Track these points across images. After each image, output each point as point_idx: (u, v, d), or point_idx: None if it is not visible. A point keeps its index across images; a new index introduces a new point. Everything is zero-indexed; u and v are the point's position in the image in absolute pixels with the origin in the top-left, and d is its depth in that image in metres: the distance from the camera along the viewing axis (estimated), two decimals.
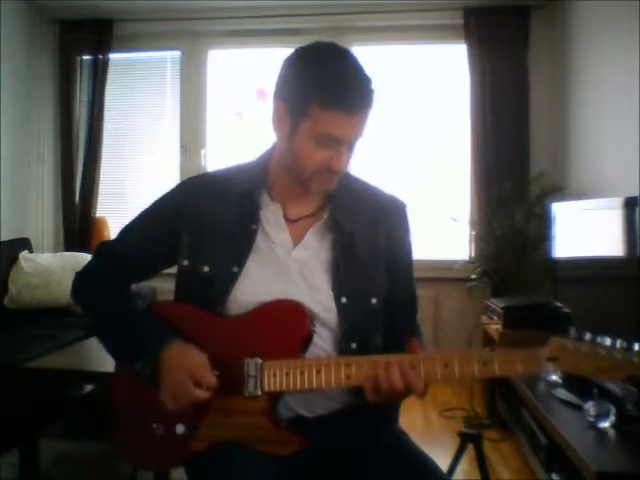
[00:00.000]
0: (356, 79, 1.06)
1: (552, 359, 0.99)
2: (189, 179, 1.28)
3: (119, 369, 1.23)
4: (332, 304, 1.15)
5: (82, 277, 1.27)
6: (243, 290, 1.14)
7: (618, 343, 0.95)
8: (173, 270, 1.32)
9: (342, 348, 1.15)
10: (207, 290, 1.15)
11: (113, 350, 1.21)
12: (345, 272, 1.17)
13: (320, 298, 1.15)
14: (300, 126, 1.08)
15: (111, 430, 1.20)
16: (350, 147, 1.11)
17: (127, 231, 1.27)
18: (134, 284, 1.29)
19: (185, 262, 1.19)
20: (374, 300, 1.19)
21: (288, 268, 1.17)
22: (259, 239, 1.17)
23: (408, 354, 1.05)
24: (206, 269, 1.16)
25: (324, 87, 1.04)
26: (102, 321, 1.23)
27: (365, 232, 1.19)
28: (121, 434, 1.20)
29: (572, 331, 1.01)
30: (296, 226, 1.19)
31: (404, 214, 1.26)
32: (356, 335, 1.16)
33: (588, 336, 0.99)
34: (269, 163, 1.21)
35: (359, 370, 1.05)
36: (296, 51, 1.12)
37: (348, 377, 1.05)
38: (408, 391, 1.02)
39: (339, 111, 1.04)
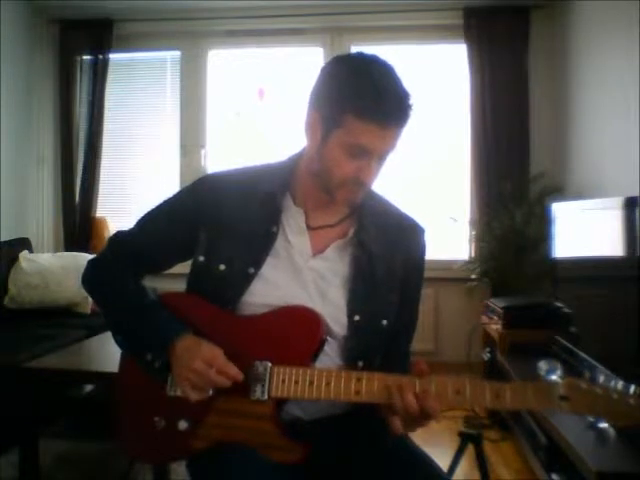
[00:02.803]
0: (395, 93, 1.05)
1: (565, 398, 0.98)
2: (212, 175, 1.26)
3: (124, 359, 1.22)
4: (345, 320, 1.15)
5: (95, 265, 1.25)
6: (256, 292, 1.14)
7: (632, 389, 0.96)
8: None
9: (349, 365, 1.15)
10: (221, 289, 1.15)
11: (122, 340, 1.19)
12: (362, 291, 1.16)
13: (333, 312, 1.15)
14: (333, 134, 1.07)
15: (112, 421, 1.19)
16: (380, 161, 1.11)
17: (145, 221, 1.25)
18: (146, 276, 1.27)
19: (201, 258, 1.18)
20: (385, 322, 1.18)
21: (304, 276, 1.16)
22: (278, 243, 1.16)
23: (420, 377, 1.03)
24: (222, 267, 1.15)
25: (362, 98, 1.02)
26: (113, 311, 1.21)
27: (385, 253, 1.19)
28: (122, 425, 1.19)
29: (586, 373, 1.01)
30: (316, 234, 1.18)
31: (423, 239, 1.26)
32: (363, 354, 1.16)
33: (602, 378, 0.99)
34: (296, 167, 1.20)
35: (369, 387, 1.04)
36: (336, 60, 1.11)
37: (357, 392, 1.04)
38: (425, 416, 1.00)
39: (374, 123, 1.03)
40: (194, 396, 1.06)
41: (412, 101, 1.06)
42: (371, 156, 1.08)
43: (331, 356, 1.14)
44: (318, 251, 1.18)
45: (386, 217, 1.24)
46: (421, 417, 1.00)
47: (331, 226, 1.19)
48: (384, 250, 1.19)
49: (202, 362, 1.04)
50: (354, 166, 1.08)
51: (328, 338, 1.13)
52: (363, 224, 1.19)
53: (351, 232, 1.19)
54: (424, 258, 1.27)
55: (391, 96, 1.04)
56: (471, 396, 1.01)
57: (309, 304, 1.13)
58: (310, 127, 1.12)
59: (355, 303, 1.16)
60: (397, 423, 1.02)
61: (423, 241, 1.27)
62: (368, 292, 1.17)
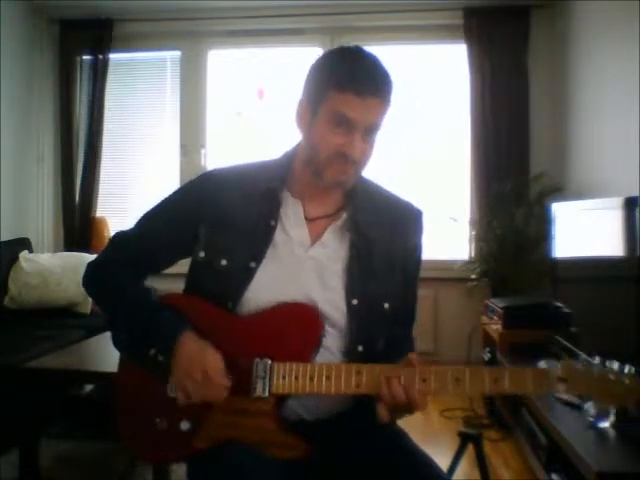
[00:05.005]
0: (371, 67, 1.10)
1: (562, 380, 1.00)
2: (212, 172, 1.27)
3: (125, 360, 1.22)
4: (343, 305, 1.16)
5: (96, 267, 1.25)
6: (258, 287, 1.14)
7: (626, 369, 0.97)
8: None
9: (349, 350, 1.16)
10: (222, 284, 1.15)
11: (124, 340, 1.19)
12: (359, 274, 1.17)
13: (332, 298, 1.16)
14: (319, 112, 1.11)
15: (113, 422, 1.19)
16: (366, 136, 1.11)
17: (145, 220, 1.25)
18: (149, 274, 1.27)
19: (202, 254, 1.18)
20: (387, 305, 1.19)
21: (304, 266, 1.17)
22: (277, 235, 1.17)
23: (419, 367, 1.05)
24: (224, 262, 1.16)
25: (340, 71, 1.09)
26: (115, 311, 1.21)
27: (383, 236, 1.20)
28: (123, 426, 1.19)
29: (583, 355, 1.02)
30: (315, 225, 1.19)
31: (420, 222, 1.27)
32: (363, 338, 1.16)
33: (597, 360, 1.00)
34: (292, 161, 1.22)
35: (370, 379, 1.05)
36: (322, 53, 1.18)
37: (358, 385, 1.05)
38: (410, 406, 1.03)
39: (351, 92, 1.07)
40: (182, 401, 1.08)
41: (390, 78, 1.12)
42: (353, 128, 1.09)
43: (332, 345, 1.15)
44: (316, 239, 1.19)
45: (382, 201, 1.25)
46: (408, 406, 1.03)
47: (329, 216, 1.20)
48: (381, 232, 1.20)
49: (200, 373, 1.05)
50: (338, 139, 1.10)
51: (329, 327, 1.14)
52: (357, 206, 1.20)
53: (345, 215, 1.20)
54: (421, 241, 1.28)
55: (367, 68, 1.09)
56: (470, 383, 1.02)
57: (310, 295, 1.14)
58: (300, 113, 1.16)
59: (353, 287, 1.16)
60: (383, 411, 1.03)
61: (421, 222, 1.28)
62: (366, 275, 1.17)
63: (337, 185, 1.16)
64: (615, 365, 0.98)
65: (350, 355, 1.15)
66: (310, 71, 1.16)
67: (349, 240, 1.19)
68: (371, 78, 1.09)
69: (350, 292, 1.16)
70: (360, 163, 1.14)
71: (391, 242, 1.21)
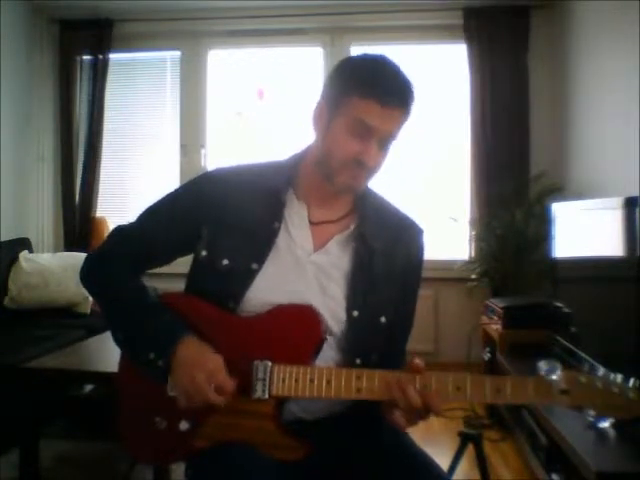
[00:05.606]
0: (395, 77, 1.10)
1: (565, 392, 0.99)
2: (213, 172, 1.26)
3: (124, 359, 1.21)
4: (343, 315, 1.15)
5: (94, 260, 1.24)
6: (259, 288, 1.14)
7: (631, 382, 0.96)
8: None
9: (346, 361, 1.15)
10: (223, 284, 1.15)
11: (123, 339, 1.18)
12: (361, 286, 1.17)
13: (332, 306, 1.15)
14: (337, 116, 1.10)
15: (113, 422, 1.19)
16: (382, 144, 1.11)
17: (147, 215, 1.24)
18: (146, 271, 1.26)
19: (204, 252, 1.18)
20: (383, 319, 1.19)
21: (305, 270, 1.16)
22: (280, 237, 1.17)
23: (420, 374, 1.04)
24: (225, 262, 1.15)
25: (364, 78, 1.08)
26: (113, 308, 1.20)
27: (387, 251, 1.20)
28: (123, 426, 1.19)
29: (586, 366, 1.01)
30: (319, 229, 1.19)
31: (422, 240, 1.27)
32: (361, 351, 1.16)
33: (601, 372, 0.99)
34: (300, 163, 1.21)
35: (370, 384, 1.04)
36: (346, 57, 1.18)
37: (358, 390, 1.05)
38: (427, 410, 1.02)
39: (374, 100, 1.06)
40: (185, 405, 1.07)
41: (413, 89, 1.10)
42: (371, 136, 1.09)
43: (329, 352, 1.14)
44: (320, 246, 1.18)
45: (386, 215, 1.25)
46: (423, 411, 1.02)
47: (333, 222, 1.20)
48: (384, 246, 1.20)
49: (203, 375, 1.04)
50: (355, 146, 1.09)
51: (327, 336, 1.13)
52: (364, 218, 1.20)
53: (353, 225, 1.20)
54: (422, 258, 1.28)
55: (391, 77, 1.09)
56: (471, 392, 1.02)
57: (310, 299, 1.13)
58: (317, 115, 1.15)
59: (354, 298, 1.16)
60: (401, 420, 1.03)
61: (422, 241, 1.28)
62: (367, 288, 1.17)
63: (347, 190, 1.16)
64: (619, 378, 0.97)
65: (347, 367, 1.14)
66: (331, 74, 1.15)
67: (353, 250, 1.18)
68: (395, 88, 1.08)
69: (351, 303, 1.16)
70: (373, 170, 1.14)
71: (393, 257, 1.21)
